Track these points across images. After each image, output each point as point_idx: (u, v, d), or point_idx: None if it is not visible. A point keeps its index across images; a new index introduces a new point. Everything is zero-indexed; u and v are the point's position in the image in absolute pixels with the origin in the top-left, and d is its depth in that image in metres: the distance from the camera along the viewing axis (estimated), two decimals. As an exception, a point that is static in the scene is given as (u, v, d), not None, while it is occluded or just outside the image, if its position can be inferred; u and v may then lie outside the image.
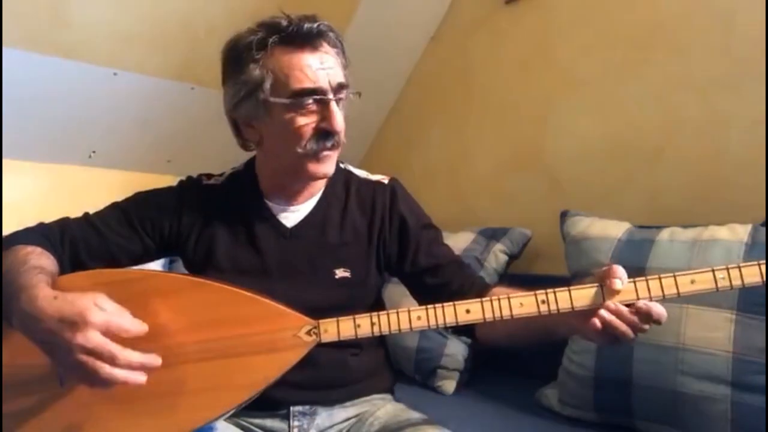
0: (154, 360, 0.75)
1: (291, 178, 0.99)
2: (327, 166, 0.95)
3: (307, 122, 0.91)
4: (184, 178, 1.08)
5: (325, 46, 0.92)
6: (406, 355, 1.62)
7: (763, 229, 1.19)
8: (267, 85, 0.90)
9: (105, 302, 0.75)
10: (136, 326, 0.76)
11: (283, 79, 0.89)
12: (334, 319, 0.81)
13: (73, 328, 0.72)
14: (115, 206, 1.02)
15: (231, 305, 0.83)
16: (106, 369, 0.72)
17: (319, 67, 0.90)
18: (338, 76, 0.92)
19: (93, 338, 0.71)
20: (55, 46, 1.59)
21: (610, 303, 0.75)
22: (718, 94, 1.47)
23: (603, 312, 0.76)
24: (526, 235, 1.72)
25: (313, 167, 0.94)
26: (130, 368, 0.73)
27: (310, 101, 0.90)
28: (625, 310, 0.75)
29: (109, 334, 0.73)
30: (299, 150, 0.92)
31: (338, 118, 0.91)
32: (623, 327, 0.75)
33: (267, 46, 0.89)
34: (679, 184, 1.53)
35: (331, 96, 0.90)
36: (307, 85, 0.89)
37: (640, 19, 1.64)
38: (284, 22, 0.90)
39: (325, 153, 0.93)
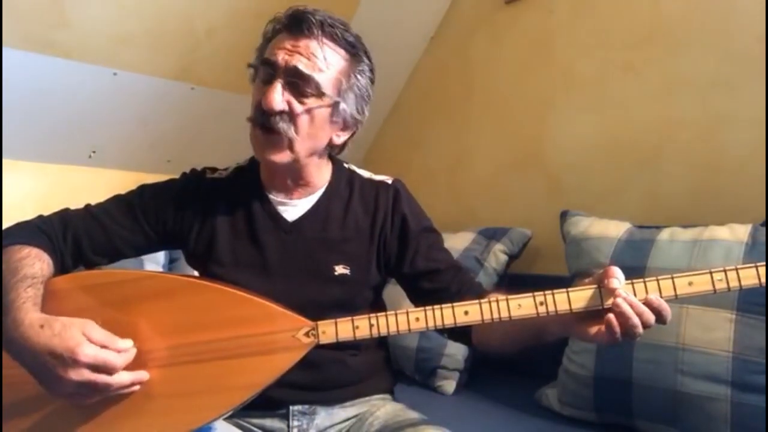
0: (143, 375, 0.81)
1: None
2: (260, 150, 0.93)
3: (257, 92, 0.93)
4: (188, 171, 1.07)
5: (313, 38, 0.89)
6: (406, 355, 1.62)
7: (763, 229, 1.19)
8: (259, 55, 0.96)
9: (93, 331, 0.78)
10: (123, 359, 0.78)
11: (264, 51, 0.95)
12: (332, 320, 0.80)
13: (64, 365, 0.75)
14: (118, 198, 1.02)
15: (229, 306, 0.83)
16: (100, 396, 0.78)
17: (285, 47, 0.90)
18: (302, 63, 0.88)
19: (84, 373, 0.75)
20: (55, 46, 1.59)
21: (621, 292, 0.73)
22: (718, 94, 1.47)
23: (619, 301, 0.72)
24: (526, 235, 1.72)
25: (254, 147, 0.94)
26: (123, 389, 0.79)
27: (261, 71, 0.92)
28: (636, 300, 0.73)
29: (98, 368, 0.76)
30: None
31: (272, 96, 0.87)
32: (635, 318, 0.72)
33: (276, 26, 0.94)
34: (679, 184, 1.53)
35: (275, 72, 0.89)
36: (267, 56, 0.92)
37: (640, 19, 1.64)
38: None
39: (257, 130, 0.92)
